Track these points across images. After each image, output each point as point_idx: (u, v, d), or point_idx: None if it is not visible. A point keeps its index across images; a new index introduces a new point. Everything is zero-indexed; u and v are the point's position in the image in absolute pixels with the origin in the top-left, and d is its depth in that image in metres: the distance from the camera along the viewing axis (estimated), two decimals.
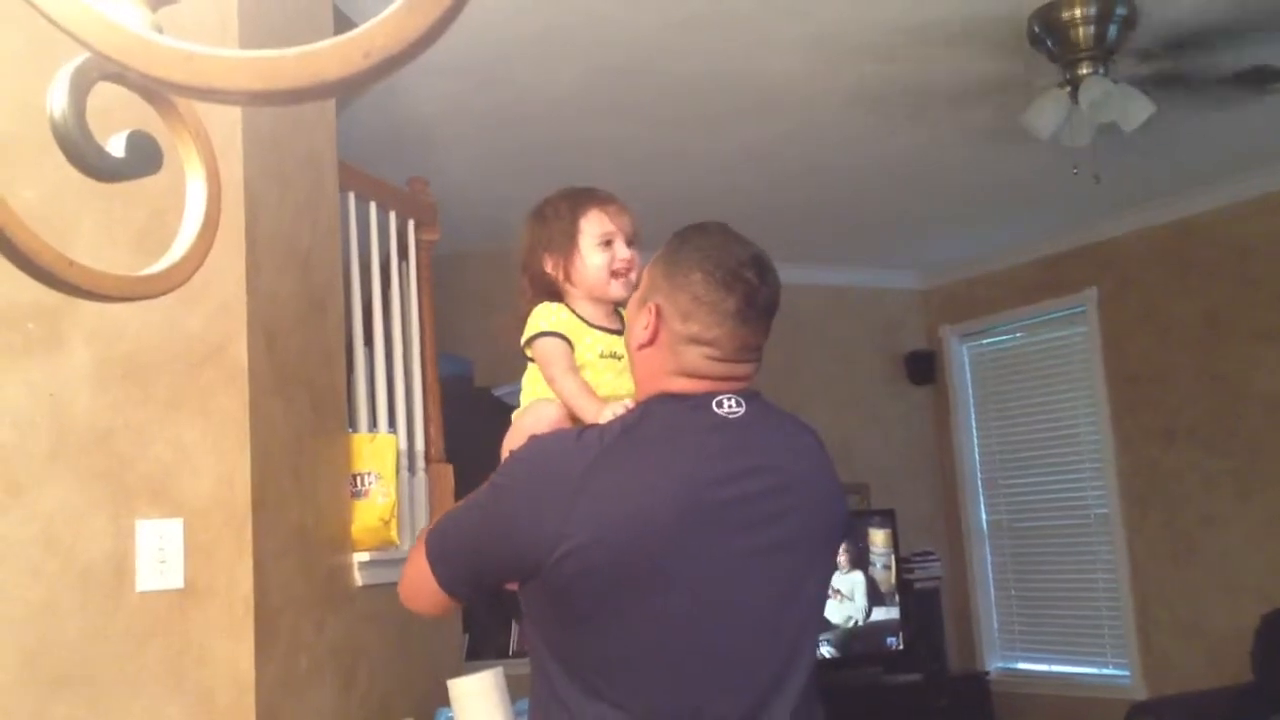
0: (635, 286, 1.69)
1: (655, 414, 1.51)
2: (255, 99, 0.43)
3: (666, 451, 1.49)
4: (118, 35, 0.44)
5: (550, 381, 1.71)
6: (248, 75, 0.43)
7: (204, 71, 0.43)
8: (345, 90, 0.43)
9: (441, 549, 1.55)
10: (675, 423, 1.51)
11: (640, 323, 1.56)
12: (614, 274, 1.75)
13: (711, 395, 1.51)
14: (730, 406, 1.51)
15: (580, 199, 1.78)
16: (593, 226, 1.76)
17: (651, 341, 1.54)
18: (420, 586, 1.57)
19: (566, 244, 1.75)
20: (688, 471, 1.47)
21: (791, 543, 1.52)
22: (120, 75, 0.61)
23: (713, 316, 1.50)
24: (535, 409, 1.71)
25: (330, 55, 0.42)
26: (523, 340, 1.75)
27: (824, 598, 1.65)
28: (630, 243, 1.78)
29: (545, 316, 1.74)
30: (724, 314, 1.49)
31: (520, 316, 1.78)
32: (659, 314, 1.53)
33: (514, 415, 1.77)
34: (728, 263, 1.50)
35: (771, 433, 1.57)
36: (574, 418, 1.65)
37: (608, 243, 1.76)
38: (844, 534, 1.68)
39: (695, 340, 1.51)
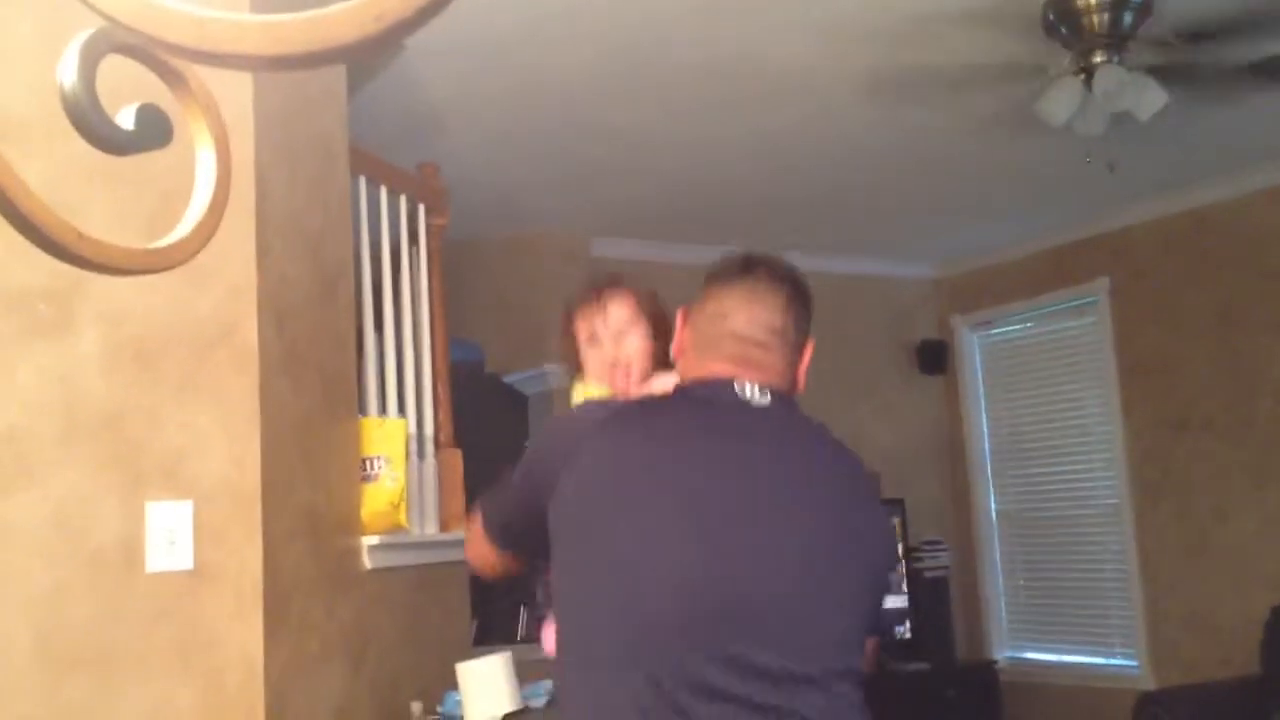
0: (643, 377, 1.81)
1: (678, 391, 1.60)
2: (268, 64, 0.43)
3: (670, 415, 1.55)
4: (127, 0, 0.43)
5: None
6: (259, 40, 0.42)
7: (215, 36, 0.42)
8: (358, 55, 0.43)
9: (490, 493, 1.67)
10: (691, 396, 1.56)
11: (674, 342, 1.66)
12: (612, 368, 1.84)
13: (735, 379, 1.53)
14: (754, 394, 1.52)
15: (574, 302, 1.95)
16: (581, 327, 1.89)
17: (682, 348, 1.62)
18: (473, 533, 1.68)
19: (571, 349, 1.91)
20: (680, 431, 1.51)
21: (786, 518, 1.49)
22: (131, 47, 0.61)
23: (726, 288, 1.58)
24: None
25: (342, 19, 0.41)
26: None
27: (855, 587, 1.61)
28: (625, 331, 1.85)
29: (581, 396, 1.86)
30: (737, 284, 1.58)
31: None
32: (685, 315, 1.63)
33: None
34: (737, 256, 1.63)
35: (793, 427, 1.58)
36: None
37: (593, 339, 1.87)
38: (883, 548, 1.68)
39: (716, 316, 1.57)
